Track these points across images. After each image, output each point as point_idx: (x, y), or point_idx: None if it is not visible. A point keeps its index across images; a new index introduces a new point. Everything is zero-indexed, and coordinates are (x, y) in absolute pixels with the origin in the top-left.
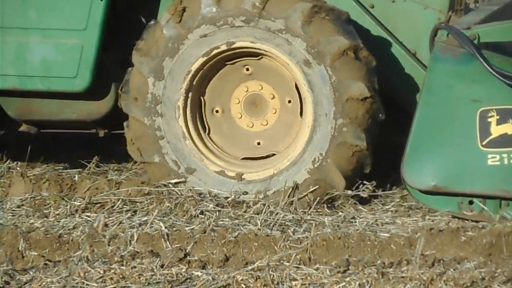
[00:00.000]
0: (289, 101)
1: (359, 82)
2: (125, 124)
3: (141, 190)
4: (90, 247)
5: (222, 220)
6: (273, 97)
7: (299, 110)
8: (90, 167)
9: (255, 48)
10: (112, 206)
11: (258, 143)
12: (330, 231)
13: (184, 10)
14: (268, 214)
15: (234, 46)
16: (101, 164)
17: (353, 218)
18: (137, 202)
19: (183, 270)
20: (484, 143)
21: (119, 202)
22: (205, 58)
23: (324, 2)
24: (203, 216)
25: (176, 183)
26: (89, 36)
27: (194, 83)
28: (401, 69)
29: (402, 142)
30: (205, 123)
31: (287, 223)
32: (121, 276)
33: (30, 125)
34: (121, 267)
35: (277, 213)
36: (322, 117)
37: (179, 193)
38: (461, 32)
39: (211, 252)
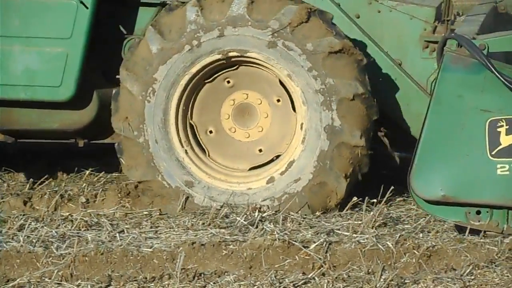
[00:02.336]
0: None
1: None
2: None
3: None
4: None
5: None
6: (261, 102)
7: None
8: None
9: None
10: None
11: (260, 150)
12: (93, 246)
13: None
14: (31, 231)
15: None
16: None
17: (120, 232)
18: None
19: None
20: (493, 153)
21: None
22: None
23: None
24: None
25: None
26: (74, 45)
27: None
28: (387, 79)
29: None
30: (203, 145)
31: (50, 239)
32: None
33: (8, 135)
34: None
35: (39, 229)
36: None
37: None
38: (472, 42)
39: None
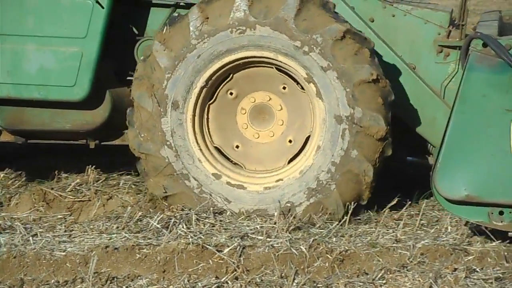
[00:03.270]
0: (290, 141)
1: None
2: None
3: None
4: None
5: None
6: (282, 124)
7: (292, 155)
8: None
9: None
10: None
11: (237, 147)
12: (6, 250)
13: None
14: None
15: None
16: None
17: (33, 236)
18: None
19: None
20: None
21: None
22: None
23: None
24: None
25: None
26: (89, 44)
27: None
28: (401, 83)
29: None
30: (215, 94)
31: None
32: None
33: (18, 136)
34: None
35: None
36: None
37: None
38: (498, 42)
39: None
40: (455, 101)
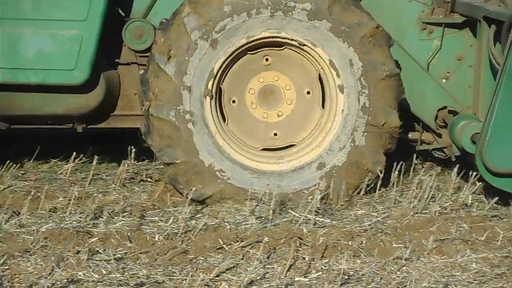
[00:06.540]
0: (308, 93)
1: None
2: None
3: None
4: None
5: None
6: (289, 88)
7: (320, 102)
8: None
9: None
10: None
11: (275, 134)
12: None
13: None
14: None
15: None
16: None
17: None
18: None
19: None
20: None
21: None
22: None
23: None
24: None
25: None
26: (90, 27)
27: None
28: None
29: None
30: (224, 112)
31: None
32: None
33: (2, 121)
34: None
35: None
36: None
37: None
38: None
39: None
40: (501, 76)
